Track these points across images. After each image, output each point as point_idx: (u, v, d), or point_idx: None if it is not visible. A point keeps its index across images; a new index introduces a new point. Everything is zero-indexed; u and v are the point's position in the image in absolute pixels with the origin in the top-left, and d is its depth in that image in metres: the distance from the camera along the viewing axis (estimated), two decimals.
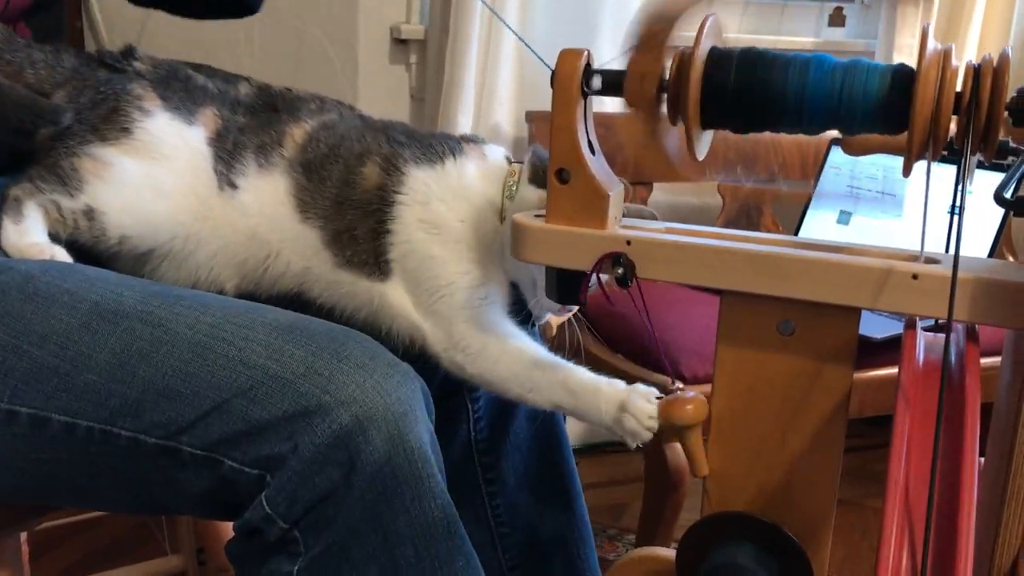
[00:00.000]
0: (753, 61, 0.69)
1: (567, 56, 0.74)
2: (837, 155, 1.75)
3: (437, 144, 0.90)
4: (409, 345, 0.88)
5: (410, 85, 1.81)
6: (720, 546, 0.75)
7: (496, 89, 1.72)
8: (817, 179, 1.77)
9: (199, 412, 0.70)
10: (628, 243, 0.74)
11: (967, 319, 0.65)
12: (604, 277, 0.76)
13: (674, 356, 1.44)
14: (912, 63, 1.90)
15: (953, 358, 0.66)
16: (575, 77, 0.74)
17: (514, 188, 0.89)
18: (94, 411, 0.71)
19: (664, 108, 0.73)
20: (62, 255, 0.82)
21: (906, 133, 0.66)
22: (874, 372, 1.45)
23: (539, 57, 0.84)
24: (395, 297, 0.86)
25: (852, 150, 0.76)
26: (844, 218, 1.74)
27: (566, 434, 1.02)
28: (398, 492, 0.69)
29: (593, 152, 0.77)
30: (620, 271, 0.73)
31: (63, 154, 0.84)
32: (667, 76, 0.72)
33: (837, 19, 2.08)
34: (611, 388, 0.81)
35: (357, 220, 0.86)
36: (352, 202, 0.86)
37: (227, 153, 0.87)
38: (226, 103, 0.89)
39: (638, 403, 0.80)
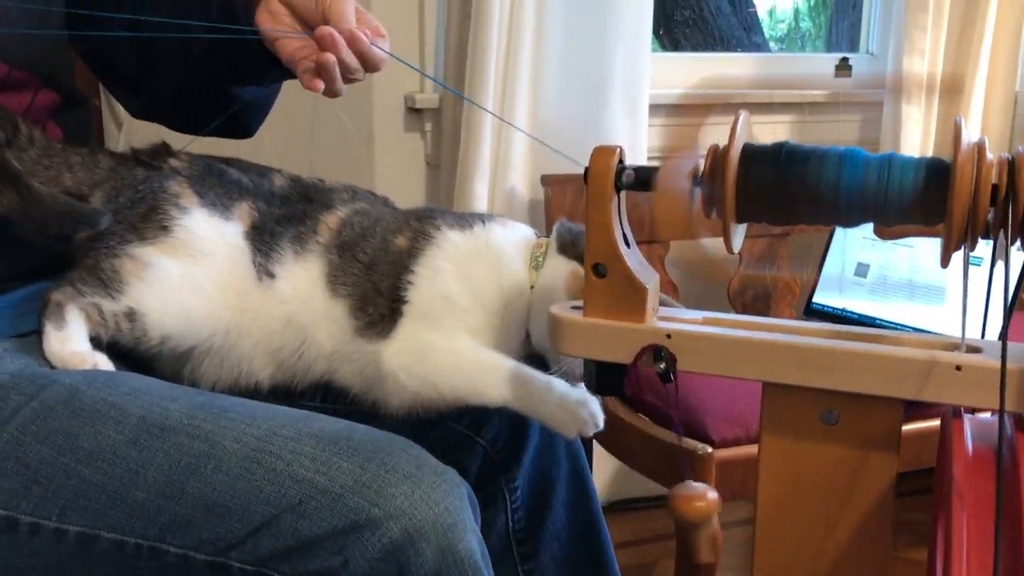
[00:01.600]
0: (787, 158, 0.70)
1: (600, 154, 0.75)
2: None
3: (467, 216, 0.94)
4: (398, 410, 0.89)
5: (425, 152, 1.83)
6: None
7: (511, 154, 1.73)
8: (832, 230, 1.78)
9: (249, 528, 0.70)
10: (668, 336, 0.75)
11: (1015, 410, 0.66)
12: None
13: (700, 419, 1.43)
14: (920, 113, 1.91)
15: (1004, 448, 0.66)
16: (608, 174, 0.75)
17: (541, 259, 0.91)
18: (143, 528, 0.72)
19: (697, 202, 0.74)
20: (104, 363, 0.82)
21: (942, 223, 0.67)
22: (920, 424, 1.44)
23: (568, 156, 0.85)
24: (386, 349, 0.87)
25: (886, 235, 0.77)
26: (862, 270, 1.74)
27: (603, 520, 1.01)
28: None
29: (628, 245, 0.78)
30: (662, 366, 0.74)
31: (103, 255, 0.86)
32: (700, 172, 0.73)
33: (843, 70, 2.10)
34: (564, 386, 0.83)
35: (383, 277, 0.89)
36: (383, 262, 0.89)
37: (265, 244, 0.89)
38: (261, 196, 0.91)
39: (592, 404, 0.83)
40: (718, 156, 0.72)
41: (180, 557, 0.71)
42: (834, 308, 1.74)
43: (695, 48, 2.60)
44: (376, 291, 0.88)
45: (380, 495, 0.69)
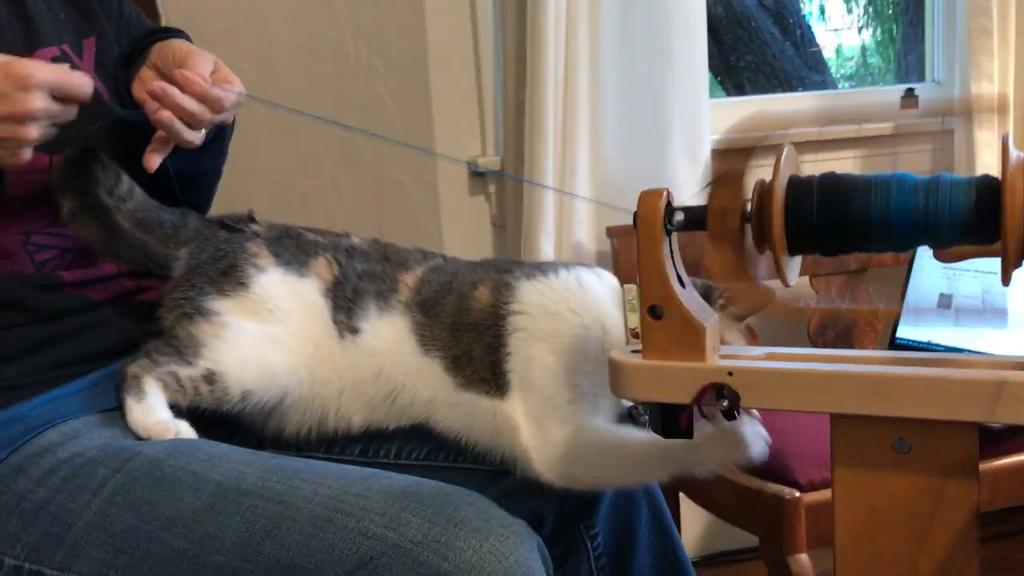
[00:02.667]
0: (833, 187, 0.70)
1: (648, 197, 0.76)
2: None
3: (547, 264, 0.95)
4: (522, 470, 0.88)
5: (491, 214, 1.86)
6: None
7: (575, 209, 1.75)
8: (911, 263, 1.74)
9: None
10: (730, 374, 0.74)
11: None
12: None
13: (786, 462, 1.40)
14: (993, 136, 1.86)
15: None
16: (657, 217, 0.75)
17: (634, 302, 0.91)
18: None
19: (749, 238, 0.74)
20: (187, 430, 0.86)
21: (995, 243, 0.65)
22: (1002, 461, 1.39)
23: (628, 210, 0.86)
24: (513, 414, 0.88)
25: (945, 259, 0.76)
26: (945, 301, 1.69)
27: (689, 562, 1.00)
28: None
29: (683, 285, 0.78)
30: (725, 403, 0.73)
31: (180, 317, 0.90)
32: (748, 208, 0.73)
33: (910, 101, 2.07)
34: (705, 437, 0.82)
35: (473, 341, 0.90)
36: (467, 325, 0.90)
37: (347, 301, 0.92)
38: (340, 250, 0.95)
39: (742, 429, 0.82)
40: (764, 190, 0.72)
41: None
42: (919, 342, 1.69)
43: (760, 92, 2.60)
44: (468, 355, 0.90)
45: (449, 549, 0.70)
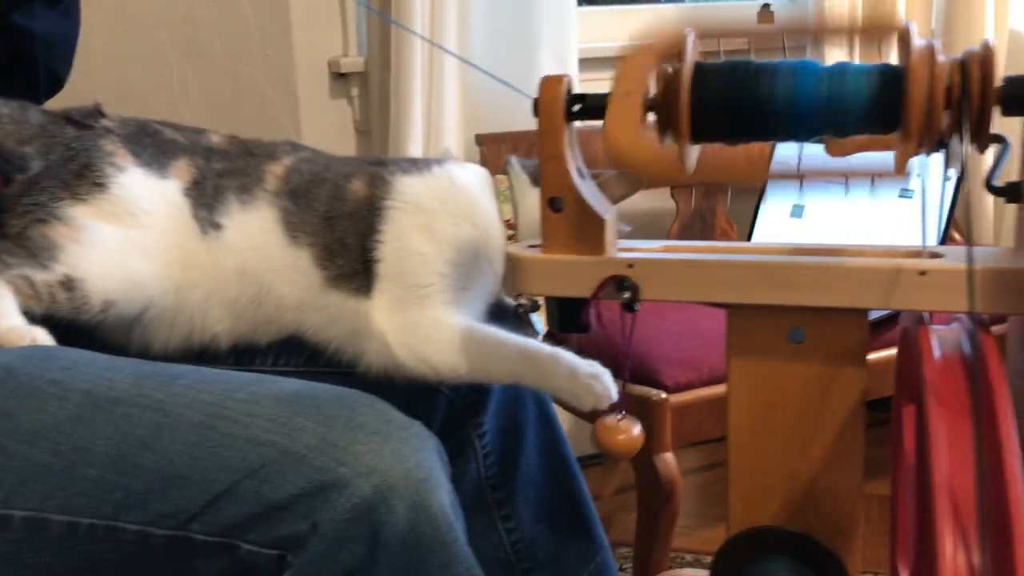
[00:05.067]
0: (738, 74, 0.69)
1: (549, 83, 0.73)
2: (782, 149, 1.77)
3: (420, 160, 0.93)
4: (382, 373, 0.86)
5: (354, 119, 1.79)
6: (753, 563, 0.74)
7: (443, 116, 1.70)
8: (765, 181, 1.79)
9: (209, 497, 0.67)
10: (630, 266, 0.73)
11: (981, 310, 0.66)
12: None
13: (653, 365, 1.43)
14: (843, 56, 1.92)
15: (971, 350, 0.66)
16: (558, 104, 0.73)
17: (508, 193, 0.91)
18: (95, 507, 0.68)
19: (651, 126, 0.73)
20: (44, 338, 0.77)
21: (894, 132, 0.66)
22: (878, 354, 1.46)
23: (515, 88, 0.83)
24: (375, 309, 0.86)
25: (836, 151, 0.77)
26: (797, 211, 1.76)
27: (576, 462, 1.00)
28: (425, 561, 0.67)
29: (583, 177, 0.76)
30: (627, 295, 0.72)
31: (31, 222, 0.81)
32: (651, 95, 0.71)
33: (767, 16, 2.11)
34: (573, 357, 0.83)
35: (348, 230, 0.87)
36: (343, 215, 0.87)
37: (208, 198, 0.86)
38: (198, 152, 0.89)
39: (605, 377, 0.83)
40: (670, 77, 0.70)
41: (138, 534, 0.67)
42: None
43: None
44: (342, 245, 0.86)
45: (347, 453, 0.66)
